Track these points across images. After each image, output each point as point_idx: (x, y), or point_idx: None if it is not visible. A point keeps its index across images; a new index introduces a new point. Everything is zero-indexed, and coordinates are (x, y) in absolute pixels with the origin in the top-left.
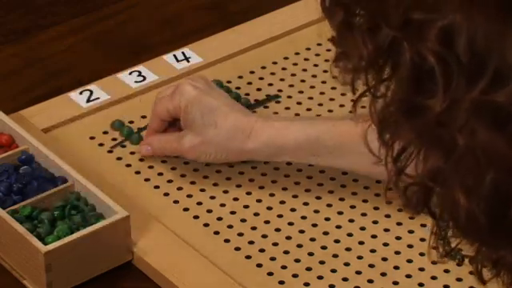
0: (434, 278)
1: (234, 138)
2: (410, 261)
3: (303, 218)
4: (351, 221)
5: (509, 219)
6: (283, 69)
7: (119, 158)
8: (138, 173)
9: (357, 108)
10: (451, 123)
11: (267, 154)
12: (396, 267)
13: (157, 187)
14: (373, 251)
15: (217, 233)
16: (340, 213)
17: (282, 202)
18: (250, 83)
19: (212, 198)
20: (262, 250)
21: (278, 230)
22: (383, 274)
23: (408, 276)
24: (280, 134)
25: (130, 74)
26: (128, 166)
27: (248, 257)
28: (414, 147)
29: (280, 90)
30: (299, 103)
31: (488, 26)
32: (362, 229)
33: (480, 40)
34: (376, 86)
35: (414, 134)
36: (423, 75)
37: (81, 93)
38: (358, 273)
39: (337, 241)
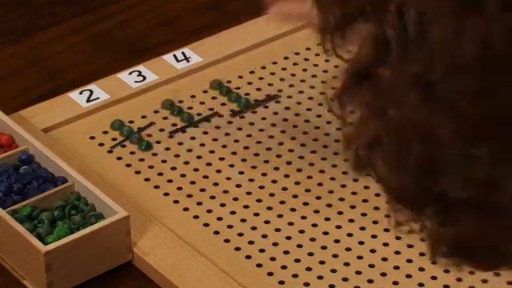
0: (433, 278)
1: None
2: (409, 261)
3: (303, 218)
4: (351, 221)
5: (431, 188)
6: (283, 69)
7: (119, 158)
8: (138, 173)
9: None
10: (390, 94)
11: None
12: (396, 267)
13: (157, 187)
14: (373, 251)
15: (217, 233)
16: (340, 213)
17: (282, 202)
18: (250, 83)
19: (212, 198)
20: (262, 250)
21: (277, 230)
22: (383, 274)
23: (408, 276)
24: None
25: (130, 74)
26: (128, 165)
27: (248, 257)
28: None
29: (280, 90)
30: (299, 103)
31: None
32: (362, 229)
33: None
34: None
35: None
36: (381, 45)
37: (81, 93)
38: (358, 273)
39: (337, 241)
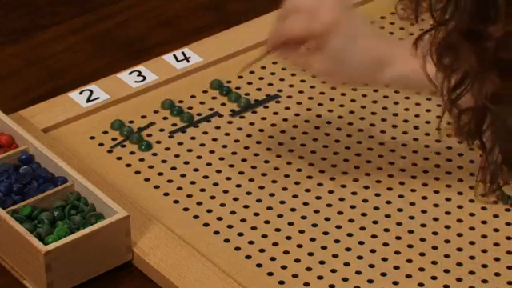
0: (433, 278)
1: (369, 68)
2: (409, 261)
3: (303, 218)
4: (351, 221)
5: None
6: (283, 69)
7: (119, 158)
8: (138, 173)
9: (418, 45)
10: (511, 47)
11: (398, 86)
12: (396, 267)
13: (157, 187)
14: (373, 251)
15: (217, 233)
16: (340, 213)
17: (282, 202)
18: (250, 83)
19: (212, 197)
20: (262, 250)
21: (277, 230)
22: (383, 274)
23: (408, 276)
24: (417, 71)
25: (130, 74)
26: (128, 165)
27: (248, 257)
28: (472, 73)
29: (280, 90)
30: (299, 103)
31: None
32: (362, 229)
33: None
34: (441, 15)
35: (474, 57)
36: (487, 3)
37: (81, 93)
38: (358, 273)
39: (337, 241)
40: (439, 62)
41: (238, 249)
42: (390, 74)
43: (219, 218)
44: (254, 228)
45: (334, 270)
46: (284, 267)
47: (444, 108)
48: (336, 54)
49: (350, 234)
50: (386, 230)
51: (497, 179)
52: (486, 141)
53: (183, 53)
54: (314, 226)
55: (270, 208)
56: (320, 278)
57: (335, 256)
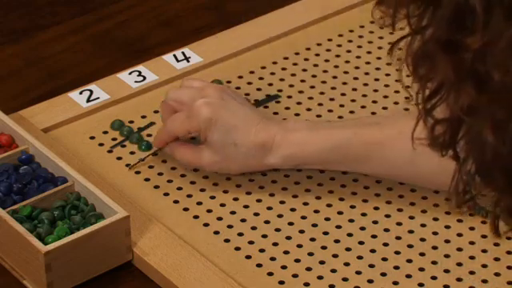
0: (433, 278)
1: (254, 155)
2: (409, 261)
3: (303, 217)
4: (351, 221)
5: None
6: (283, 69)
7: (119, 158)
8: (138, 173)
9: (393, 51)
10: (488, 59)
11: (290, 166)
12: (396, 267)
13: (157, 187)
14: (373, 251)
15: (217, 233)
16: (340, 213)
17: (282, 202)
18: (250, 83)
19: (212, 197)
20: (262, 250)
21: (278, 230)
22: (383, 274)
23: (408, 276)
24: (301, 149)
25: (130, 74)
26: (128, 165)
27: (248, 257)
28: (448, 84)
29: (280, 90)
30: (299, 103)
31: None
32: (362, 229)
33: None
34: (417, 22)
35: (451, 68)
36: (464, 13)
37: (81, 93)
38: (358, 273)
39: (337, 241)
40: (415, 72)
41: (238, 249)
42: (276, 157)
43: (219, 218)
44: (254, 228)
45: (333, 270)
46: (284, 267)
47: (418, 117)
48: (218, 147)
49: (349, 234)
50: (386, 230)
51: (470, 189)
52: (460, 151)
53: (183, 53)
54: (314, 226)
55: (270, 208)
56: (320, 277)
57: (335, 256)
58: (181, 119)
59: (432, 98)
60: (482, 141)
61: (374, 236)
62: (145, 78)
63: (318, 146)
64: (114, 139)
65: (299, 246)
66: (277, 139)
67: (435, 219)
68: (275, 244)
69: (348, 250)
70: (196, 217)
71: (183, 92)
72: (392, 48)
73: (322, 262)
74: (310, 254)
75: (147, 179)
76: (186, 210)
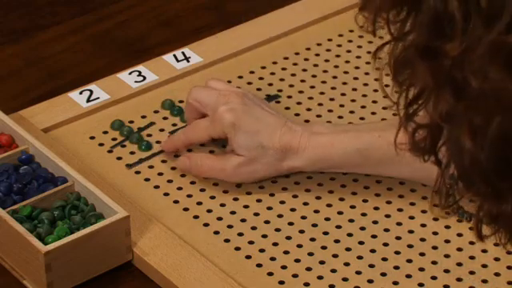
0: (433, 278)
1: (281, 157)
2: (409, 261)
3: (303, 217)
4: (351, 221)
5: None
6: (283, 69)
7: (119, 158)
8: (137, 173)
9: (376, 57)
10: (466, 66)
11: (315, 169)
12: (396, 267)
13: (157, 187)
14: (373, 251)
15: (217, 233)
16: (340, 213)
17: (282, 202)
18: (249, 83)
19: (212, 197)
20: (262, 250)
21: (278, 230)
22: (383, 274)
23: (408, 276)
24: (326, 151)
25: (130, 74)
26: (128, 165)
27: (248, 257)
28: (427, 90)
29: (280, 90)
30: (299, 103)
31: None
32: (362, 229)
33: None
34: (400, 28)
35: (429, 74)
36: (443, 20)
37: (81, 93)
38: (358, 273)
39: (337, 241)
40: (395, 78)
41: (238, 249)
42: (301, 160)
43: (219, 218)
44: (254, 228)
45: (333, 270)
46: (284, 267)
47: (400, 123)
48: (244, 150)
49: (350, 234)
50: (386, 230)
51: (453, 193)
52: (442, 157)
53: (183, 53)
54: (314, 226)
55: (270, 208)
56: (320, 277)
57: (335, 256)
58: (204, 125)
59: (413, 104)
60: (460, 147)
61: (373, 236)
62: (145, 78)
63: (344, 149)
64: (114, 139)
65: (299, 246)
66: (302, 142)
67: (435, 219)
68: (275, 244)
69: (348, 250)
70: (196, 217)
71: (206, 94)
72: (376, 52)
73: (322, 262)
74: (310, 254)
75: (147, 179)
76: (186, 210)
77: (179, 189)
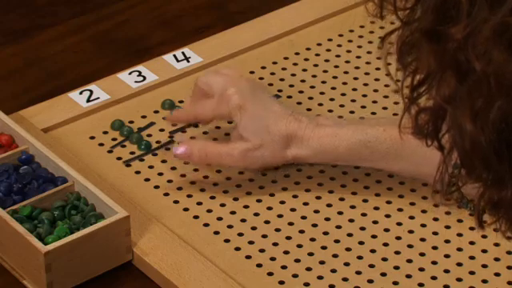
0: (433, 278)
1: (286, 144)
2: (409, 261)
3: (303, 218)
4: (351, 221)
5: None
6: (283, 69)
7: (119, 158)
8: (137, 173)
9: (384, 44)
10: (470, 49)
11: (319, 160)
12: (396, 267)
13: (157, 187)
14: (373, 251)
15: (217, 233)
16: (340, 213)
17: (282, 202)
18: None
19: (212, 197)
20: (262, 250)
21: (277, 230)
22: (383, 274)
23: (408, 276)
24: (331, 142)
25: (130, 74)
26: (128, 166)
27: (248, 257)
28: (432, 73)
29: (280, 90)
30: (299, 103)
31: None
32: (362, 229)
33: None
34: (410, 14)
35: (434, 58)
36: (449, 3)
37: (81, 93)
38: (358, 273)
39: (337, 241)
40: (400, 61)
41: (238, 249)
42: (307, 149)
43: (219, 218)
44: (254, 228)
45: (333, 270)
46: (284, 267)
47: (405, 107)
48: (250, 133)
49: (349, 234)
50: (386, 230)
51: (456, 181)
52: (446, 143)
53: (183, 53)
54: (314, 226)
55: (270, 208)
56: (320, 278)
57: (335, 256)
58: (210, 104)
59: (418, 88)
60: (461, 129)
61: (374, 236)
62: (145, 78)
63: (348, 140)
64: (114, 139)
65: (299, 246)
66: (307, 132)
67: (435, 219)
68: (275, 244)
69: (348, 250)
70: (196, 217)
71: (216, 79)
72: (384, 38)
73: (322, 262)
74: (310, 254)
75: (147, 179)
76: (186, 210)
77: (179, 189)
